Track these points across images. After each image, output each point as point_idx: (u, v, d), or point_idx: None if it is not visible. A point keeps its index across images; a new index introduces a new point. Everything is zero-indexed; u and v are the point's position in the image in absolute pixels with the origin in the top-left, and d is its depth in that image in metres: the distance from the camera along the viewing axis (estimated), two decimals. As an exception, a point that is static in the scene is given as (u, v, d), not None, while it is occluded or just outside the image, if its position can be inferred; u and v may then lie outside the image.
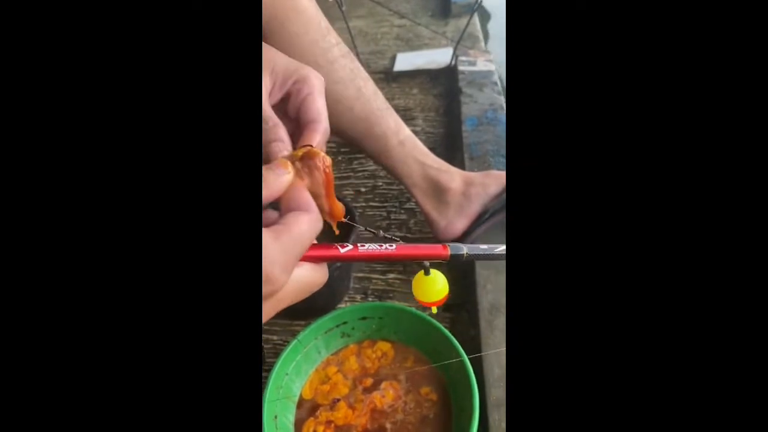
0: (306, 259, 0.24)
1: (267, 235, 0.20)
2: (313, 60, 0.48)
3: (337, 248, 0.25)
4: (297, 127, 0.29)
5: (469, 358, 0.43)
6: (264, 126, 0.27)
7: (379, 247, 0.26)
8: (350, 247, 0.25)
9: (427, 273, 0.30)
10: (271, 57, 0.29)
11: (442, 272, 0.33)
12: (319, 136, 0.28)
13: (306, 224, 0.22)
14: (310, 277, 0.24)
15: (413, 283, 0.33)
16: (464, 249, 0.27)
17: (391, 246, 0.26)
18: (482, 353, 0.46)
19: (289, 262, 0.21)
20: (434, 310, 0.42)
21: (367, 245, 0.26)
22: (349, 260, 0.26)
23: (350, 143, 0.55)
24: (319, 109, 0.29)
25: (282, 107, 0.29)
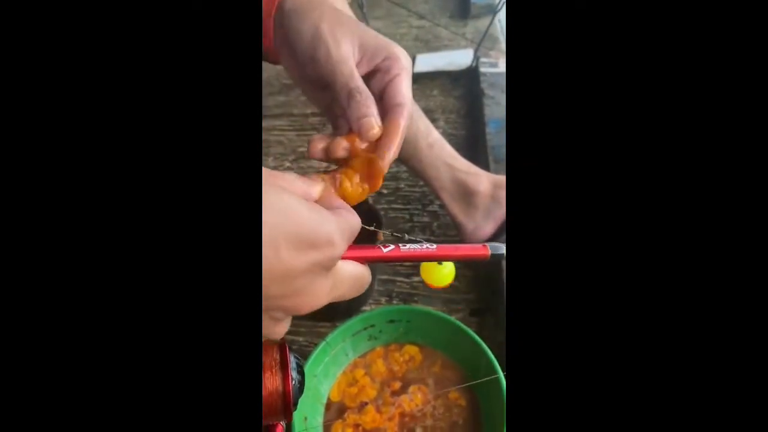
0: (351, 259, 0.24)
1: (323, 209, 0.21)
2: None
3: (380, 248, 0.26)
4: (379, 106, 0.28)
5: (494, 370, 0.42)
6: (355, 98, 0.27)
7: (420, 247, 0.27)
8: (392, 247, 0.26)
9: (440, 263, 0.32)
10: (361, 31, 0.28)
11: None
12: (404, 121, 0.27)
13: (350, 215, 0.23)
14: (361, 273, 0.24)
15: (422, 267, 0.35)
16: (503, 249, 0.28)
17: (432, 246, 0.27)
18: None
19: (345, 234, 0.21)
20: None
21: (408, 245, 0.27)
22: (392, 261, 0.27)
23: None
24: (405, 92, 0.28)
25: (365, 82, 0.28)
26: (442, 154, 0.54)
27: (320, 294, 0.21)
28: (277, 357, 0.23)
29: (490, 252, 0.28)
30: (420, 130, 0.53)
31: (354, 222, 0.23)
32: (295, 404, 0.23)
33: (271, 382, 0.23)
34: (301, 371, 0.24)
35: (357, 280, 0.24)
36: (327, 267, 0.21)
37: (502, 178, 0.54)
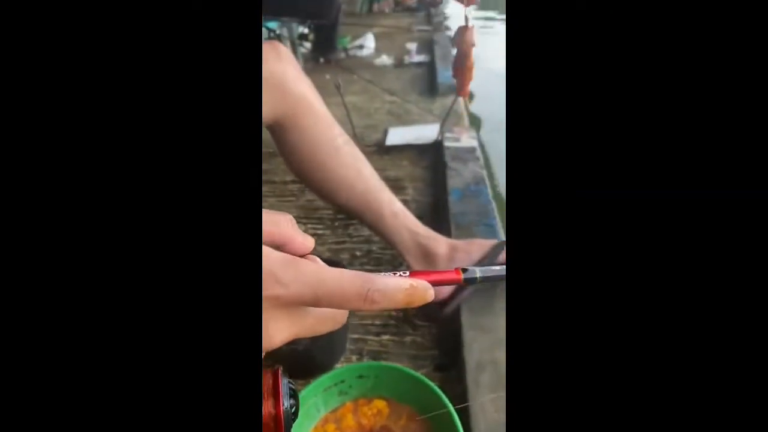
0: None
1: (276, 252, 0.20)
2: (323, 147, 0.56)
3: None
4: None
5: (456, 410, 0.46)
6: None
7: (392, 275, 0.26)
8: None
9: None
10: None
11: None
12: None
13: (313, 263, 0.22)
14: (330, 311, 0.23)
15: None
16: (477, 272, 0.28)
17: (405, 273, 0.26)
18: (467, 404, 0.50)
19: (289, 273, 0.20)
20: None
21: (383, 273, 0.26)
22: None
23: (351, 215, 0.63)
24: None
25: None
26: (405, 222, 0.60)
27: (271, 334, 0.21)
28: (270, 382, 0.23)
29: (463, 276, 0.27)
30: (385, 202, 0.60)
31: (314, 268, 0.21)
32: (288, 430, 0.25)
33: (262, 408, 0.23)
34: (294, 396, 0.24)
35: (325, 313, 0.22)
36: (274, 306, 0.20)
37: (458, 243, 0.61)
